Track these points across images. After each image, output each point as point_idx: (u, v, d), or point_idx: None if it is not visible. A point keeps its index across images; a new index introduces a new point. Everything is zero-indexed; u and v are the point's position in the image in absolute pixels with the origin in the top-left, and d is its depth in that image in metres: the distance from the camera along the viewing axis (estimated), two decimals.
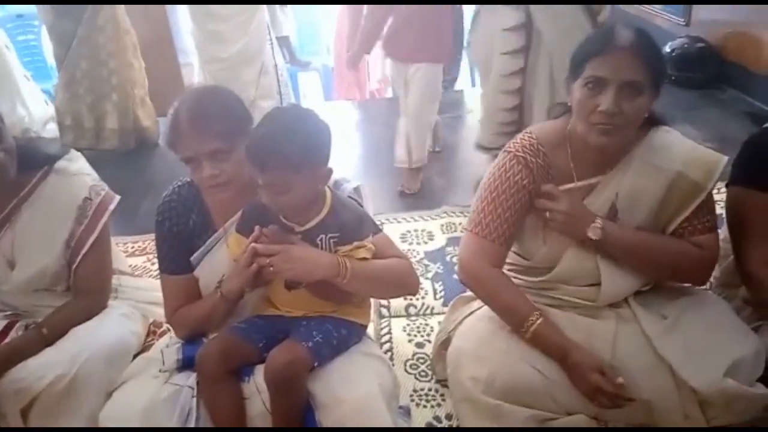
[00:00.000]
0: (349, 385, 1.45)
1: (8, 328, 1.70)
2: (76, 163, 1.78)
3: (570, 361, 1.41)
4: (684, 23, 4.57)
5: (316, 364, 1.45)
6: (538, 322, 1.45)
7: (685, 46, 4.32)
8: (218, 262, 1.57)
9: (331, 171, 1.43)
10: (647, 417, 1.45)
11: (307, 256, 1.41)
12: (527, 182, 1.50)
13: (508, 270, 1.63)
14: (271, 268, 1.38)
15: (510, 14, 2.55)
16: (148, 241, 2.71)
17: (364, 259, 1.47)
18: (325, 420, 1.44)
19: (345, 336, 1.54)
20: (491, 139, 2.78)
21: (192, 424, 1.48)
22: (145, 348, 1.93)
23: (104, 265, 1.80)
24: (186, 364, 1.55)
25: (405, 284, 1.58)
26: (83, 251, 1.70)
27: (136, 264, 2.47)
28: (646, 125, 1.47)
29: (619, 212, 1.48)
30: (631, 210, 1.48)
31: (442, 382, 1.81)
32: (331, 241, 1.46)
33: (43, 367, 1.55)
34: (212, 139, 1.39)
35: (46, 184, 1.70)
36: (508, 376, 1.45)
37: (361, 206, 1.57)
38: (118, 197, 1.80)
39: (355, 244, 1.46)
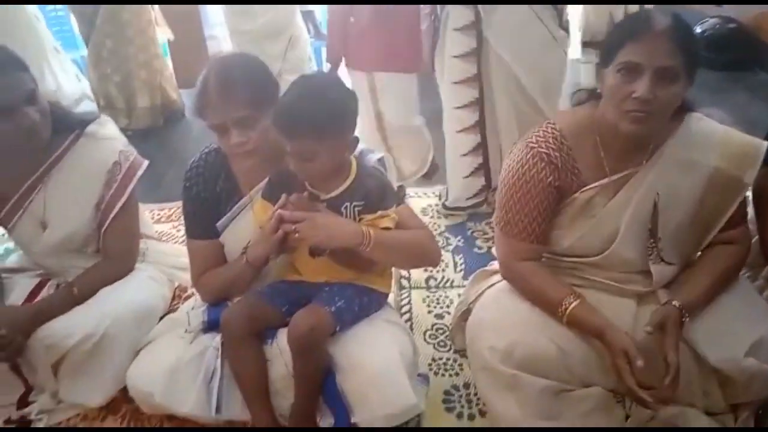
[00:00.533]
0: (369, 351, 1.48)
1: (40, 286, 1.77)
2: (106, 128, 1.81)
3: (605, 341, 1.40)
4: (716, 3, 4.47)
5: (337, 329, 1.49)
6: (573, 305, 1.44)
7: (717, 26, 4.24)
8: (243, 228, 1.60)
9: (357, 139, 1.44)
10: None
11: (331, 223, 1.42)
12: (552, 179, 1.46)
13: None
14: (296, 235, 1.40)
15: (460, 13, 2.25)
16: (174, 209, 2.75)
17: (387, 228, 1.48)
18: (345, 383, 1.48)
19: (366, 303, 1.56)
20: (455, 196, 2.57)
21: (216, 384, 1.53)
22: (170, 311, 1.98)
23: (132, 229, 1.84)
24: (211, 326, 1.60)
25: (426, 255, 1.59)
26: (112, 215, 1.74)
27: (161, 230, 2.52)
28: (679, 113, 1.42)
29: (660, 212, 1.43)
30: (672, 210, 1.44)
31: (461, 352, 1.83)
32: (356, 209, 1.47)
33: (73, 326, 1.60)
34: (240, 106, 1.41)
35: (77, 148, 1.73)
36: (526, 347, 1.45)
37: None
38: (146, 162, 1.83)
39: (379, 213, 1.47)
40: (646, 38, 1.29)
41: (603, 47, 1.40)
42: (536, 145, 1.47)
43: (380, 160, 1.61)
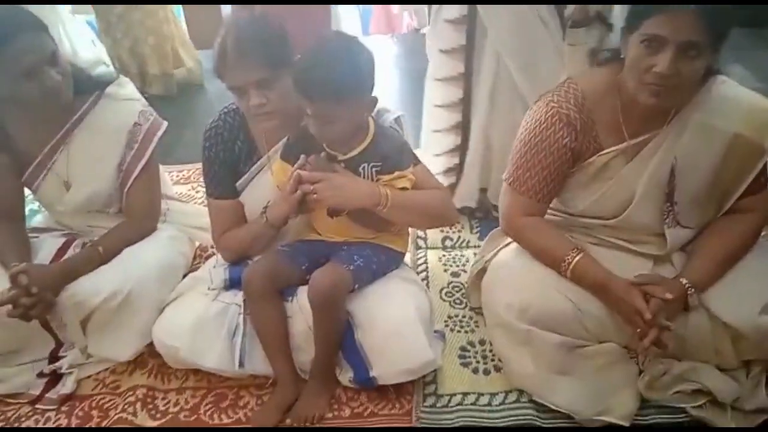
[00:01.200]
0: (386, 307, 1.52)
1: (66, 246, 1.81)
2: (126, 89, 1.83)
3: (612, 297, 1.43)
4: None
5: (356, 287, 1.52)
6: (577, 258, 1.45)
7: None
8: (262, 189, 1.63)
9: (376, 99, 1.44)
10: (679, 350, 1.47)
11: (348, 184, 1.45)
12: (569, 140, 1.44)
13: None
14: (315, 196, 1.42)
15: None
16: (192, 170, 2.78)
17: (404, 189, 1.50)
18: (363, 339, 1.53)
19: (384, 261, 1.60)
20: None
21: (239, 340, 1.58)
22: (192, 270, 2.02)
23: (154, 189, 1.87)
24: (233, 283, 1.64)
25: (443, 215, 1.62)
26: (134, 175, 1.77)
27: (181, 192, 2.55)
28: (702, 76, 1.37)
29: (677, 177, 1.43)
30: (689, 176, 1.42)
31: (476, 310, 1.86)
32: (373, 170, 1.49)
33: (99, 284, 1.65)
34: (259, 68, 1.41)
35: (98, 108, 1.75)
36: (541, 303, 1.48)
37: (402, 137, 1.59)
38: (165, 123, 1.85)
39: (396, 173, 1.49)
40: (674, 12, 1.23)
41: (628, 12, 1.34)
42: (557, 105, 1.45)
43: (397, 119, 1.61)
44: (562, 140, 1.45)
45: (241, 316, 1.60)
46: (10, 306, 1.55)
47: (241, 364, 1.59)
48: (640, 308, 1.36)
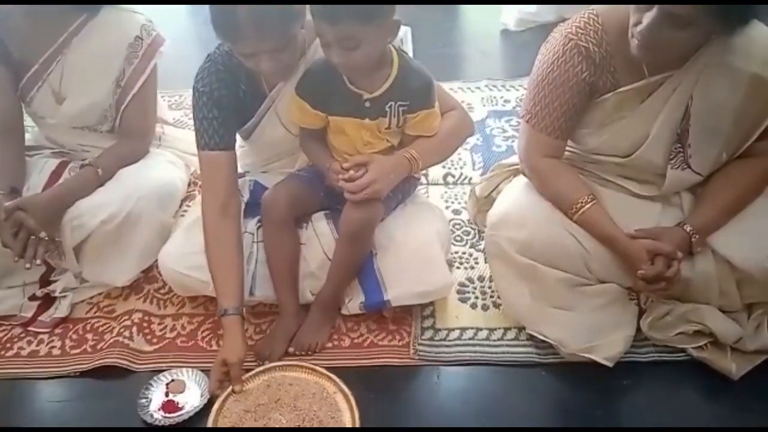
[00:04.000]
0: (408, 230, 1.54)
1: (60, 168, 1.76)
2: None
3: (619, 249, 1.42)
4: None
5: (385, 216, 1.53)
6: (587, 206, 1.43)
7: None
8: (269, 130, 1.56)
9: (399, 22, 1.37)
10: (683, 292, 1.47)
11: (386, 172, 1.44)
12: (587, 75, 1.39)
13: None
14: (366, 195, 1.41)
15: None
16: (185, 96, 2.69)
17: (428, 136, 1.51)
18: (383, 261, 1.53)
19: (407, 188, 1.61)
20: None
21: (252, 266, 1.57)
22: (188, 196, 1.98)
23: (151, 108, 1.81)
24: (248, 208, 1.60)
25: (464, 137, 1.63)
26: (132, 92, 1.70)
27: (174, 117, 2.46)
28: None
29: (692, 118, 1.38)
30: (705, 117, 1.38)
31: (477, 247, 1.86)
32: (400, 109, 1.45)
33: (98, 206, 1.61)
34: (274, 37, 1.31)
35: (98, 18, 1.67)
36: (546, 240, 1.46)
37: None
38: (167, 40, 1.77)
39: (425, 112, 1.47)
40: None
41: None
42: (575, 37, 1.39)
43: (403, 39, 1.56)
44: (581, 74, 1.40)
45: (255, 244, 1.58)
46: None
47: (252, 293, 1.58)
48: (645, 269, 1.36)
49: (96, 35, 1.67)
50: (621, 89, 1.41)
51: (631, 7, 1.27)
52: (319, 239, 1.55)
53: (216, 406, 1.36)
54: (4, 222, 1.52)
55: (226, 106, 1.48)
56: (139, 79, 1.70)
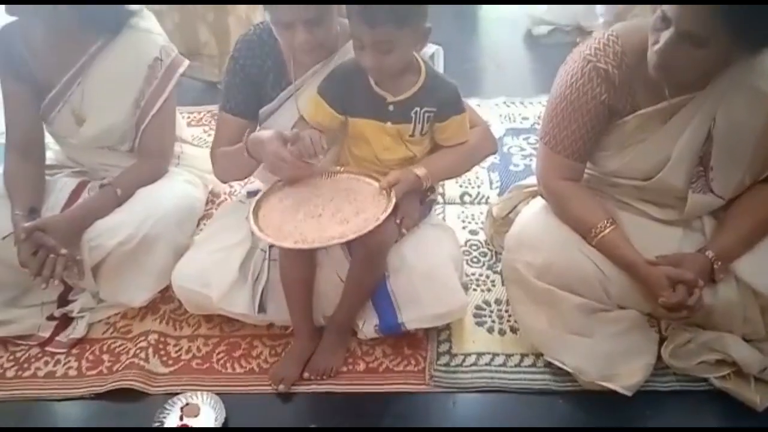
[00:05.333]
0: (421, 252, 1.53)
1: (80, 188, 1.77)
2: (148, 22, 1.76)
3: (640, 276, 1.39)
4: None
5: (400, 238, 1.52)
6: (607, 231, 1.41)
7: None
8: (286, 116, 1.57)
9: (430, 29, 1.38)
10: (705, 319, 1.44)
11: (411, 201, 1.49)
12: (606, 97, 1.38)
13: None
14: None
15: None
16: (203, 113, 2.72)
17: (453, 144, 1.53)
18: (396, 283, 1.52)
19: (423, 210, 1.60)
20: None
21: (261, 286, 1.56)
22: (205, 215, 1.99)
23: (169, 129, 1.82)
24: None
25: (484, 155, 1.65)
26: (152, 113, 1.72)
27: (194, 134, 2.48)
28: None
29: (715, 141, 1.36)
30: (728, 140, 1.35)
31: (494, 269, 1.84)
32: (426, 115, 1.45)
33: (116, 226, 1.62)
34: (311, 7, 1.34)
35: (118, 40, 1.69)
36: (563, 264, 1.44)
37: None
38: (187, 61, 1.78)
39: (452, 119, 1.47)
40: None
41: None
42: (594, 59, 1.38)
43: (433, 55, 1.56)
44: (599, 96, 1.38)
45: (266, 261, 1.57)
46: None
47: (262, 311, 1.57)
48: (665, 296, 1.33)
49: (116, 57, 1.69)
50: (641, 111, 1.39)
51: (650, 27, 1.26)
52: (333, 261, 1.54)
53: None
54: (23, 243, 1.53)
55: (247, 75, 1.54)
56: (158, 100, 1.71)
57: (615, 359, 1.44)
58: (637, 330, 1.48)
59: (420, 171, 1.46)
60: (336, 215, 1.38)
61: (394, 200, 1.38)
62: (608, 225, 1.42)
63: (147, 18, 1.76)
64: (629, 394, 1.40)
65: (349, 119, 1.48)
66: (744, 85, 1.31)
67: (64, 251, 1.53)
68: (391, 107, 1.43)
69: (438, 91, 1.44)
